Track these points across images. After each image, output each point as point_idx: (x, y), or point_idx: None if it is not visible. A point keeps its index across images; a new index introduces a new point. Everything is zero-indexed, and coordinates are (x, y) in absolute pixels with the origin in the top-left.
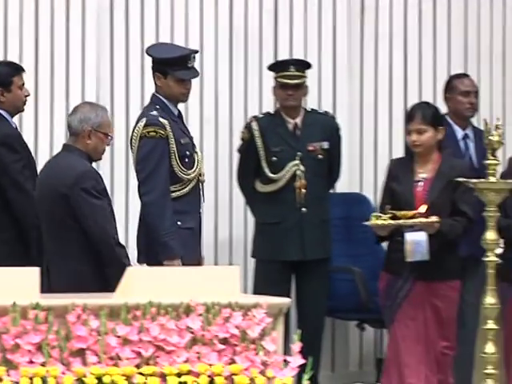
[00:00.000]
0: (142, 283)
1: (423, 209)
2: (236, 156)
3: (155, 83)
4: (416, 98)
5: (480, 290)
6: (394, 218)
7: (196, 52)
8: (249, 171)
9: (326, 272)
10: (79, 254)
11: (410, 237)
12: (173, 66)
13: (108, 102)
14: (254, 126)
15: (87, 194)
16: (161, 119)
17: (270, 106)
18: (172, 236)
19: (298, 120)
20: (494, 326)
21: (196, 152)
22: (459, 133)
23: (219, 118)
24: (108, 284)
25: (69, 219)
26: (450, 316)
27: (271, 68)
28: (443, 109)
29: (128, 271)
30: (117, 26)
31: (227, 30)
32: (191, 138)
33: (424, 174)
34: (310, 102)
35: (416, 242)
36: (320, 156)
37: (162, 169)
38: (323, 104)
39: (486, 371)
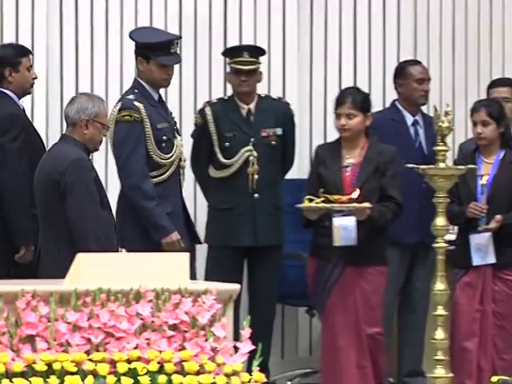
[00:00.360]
0: (91, 269)
1: (356, 194)
2: (186, 141)
3: (137, 67)
4: (366, 83)
5: (430, 276)
6: (326, 201)
7: (179, 38)
8: (202, 156)
9: (278, 259)
10: (71, 242)
11: (338, 221)
12: (155, 51)
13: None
14: (208, 111)
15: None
16: (136, 103)
17: (219, 92)
18: (161, 215)
19: (252, 106)
20: (444, 312)
21: (176, 137)
22: (409, 119)
23: (169, 103)
24: None
25: (61, 207)
26: (377, 301)
27: (225, 54)
28: (393, 94)
29: (77, 257)
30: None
31: (177, 17)
32: (173, 123)
33: (351, 159)
34: (260, 89)
35: (344, 227)
36: (273, 142)
37: (139, 152)
38: (273, 90)
39: (436, 357)
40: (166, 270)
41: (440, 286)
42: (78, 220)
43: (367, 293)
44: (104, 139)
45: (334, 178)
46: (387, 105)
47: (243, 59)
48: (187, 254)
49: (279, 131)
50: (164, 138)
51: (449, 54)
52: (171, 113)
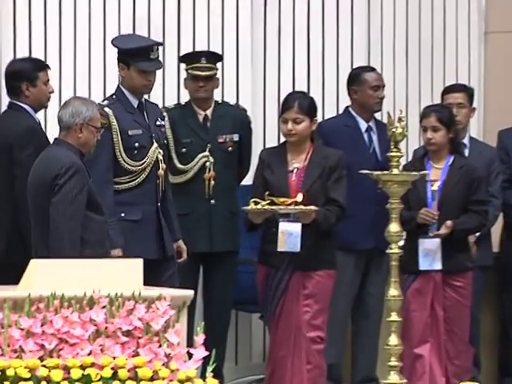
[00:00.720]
0: (45, 275)
1: (300, 197)
2: None
3: (120, 74)
4: (319, 89)
5: (384, 282)
6: (272, 204)
7: (160, 44)
8: None
9: (233, 265)
10: None
11: (283, 226)
12: (135, 57)
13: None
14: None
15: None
16: (106, 108)
17: (173, 97)
18: (111, 225)
19: (209, 112)
20: (398, 318)
21: (153, 144)
22: (363, 125)
23: None
24: None
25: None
26: (323, 304)
27: (182, 59)
28: (346, 100)
29: (31, 263)
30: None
31: (130, 21)
32: (152, 130)
33: (297, 163)
34: (214, 93)
35: (289, 233)
36: (230, 148)
37: (103, 157)
38: (227, 95)
39: (390, 363)
40: (119, 275)
41: (393, 292)
42: (55, 221)
43: (313, 295)
44: None
45: (280, 182)
46: (341, 110)
47: (201, 65)
48: (140, 260)
49: (236, 137)
50: (136, 144)
51: (402, 59)
52: (157, 120)
